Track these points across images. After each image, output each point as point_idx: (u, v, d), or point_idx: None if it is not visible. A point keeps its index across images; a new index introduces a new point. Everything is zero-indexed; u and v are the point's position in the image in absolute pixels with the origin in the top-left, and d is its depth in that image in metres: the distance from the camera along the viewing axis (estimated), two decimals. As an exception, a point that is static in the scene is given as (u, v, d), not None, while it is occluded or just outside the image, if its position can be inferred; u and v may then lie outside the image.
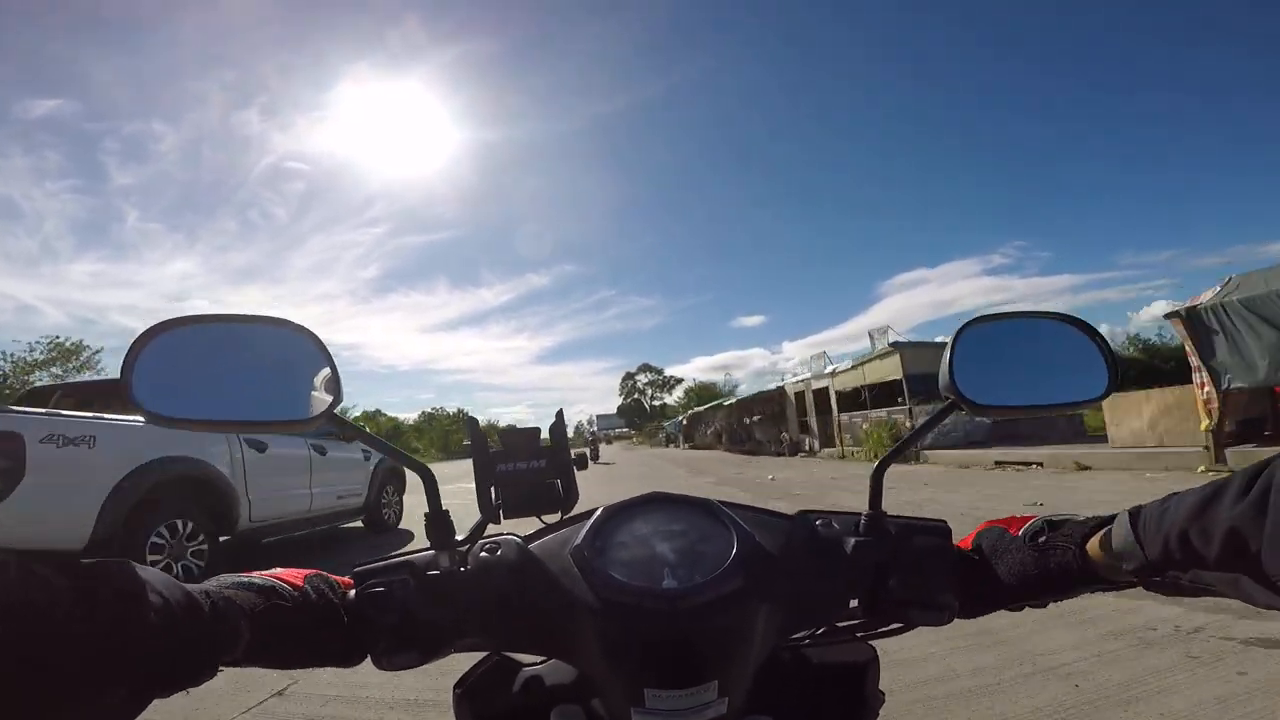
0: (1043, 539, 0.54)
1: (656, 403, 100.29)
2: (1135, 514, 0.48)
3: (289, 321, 0.56)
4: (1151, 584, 0.48)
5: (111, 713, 0.35)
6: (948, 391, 0.59)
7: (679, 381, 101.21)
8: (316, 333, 0.56)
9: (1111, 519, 0.52)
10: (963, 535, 0.61)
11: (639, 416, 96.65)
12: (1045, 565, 0.53)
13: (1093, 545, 0.52)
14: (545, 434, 0.65)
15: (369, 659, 0.52)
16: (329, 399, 0.55)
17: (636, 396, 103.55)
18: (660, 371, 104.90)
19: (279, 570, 0.52)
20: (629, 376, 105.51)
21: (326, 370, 0.55)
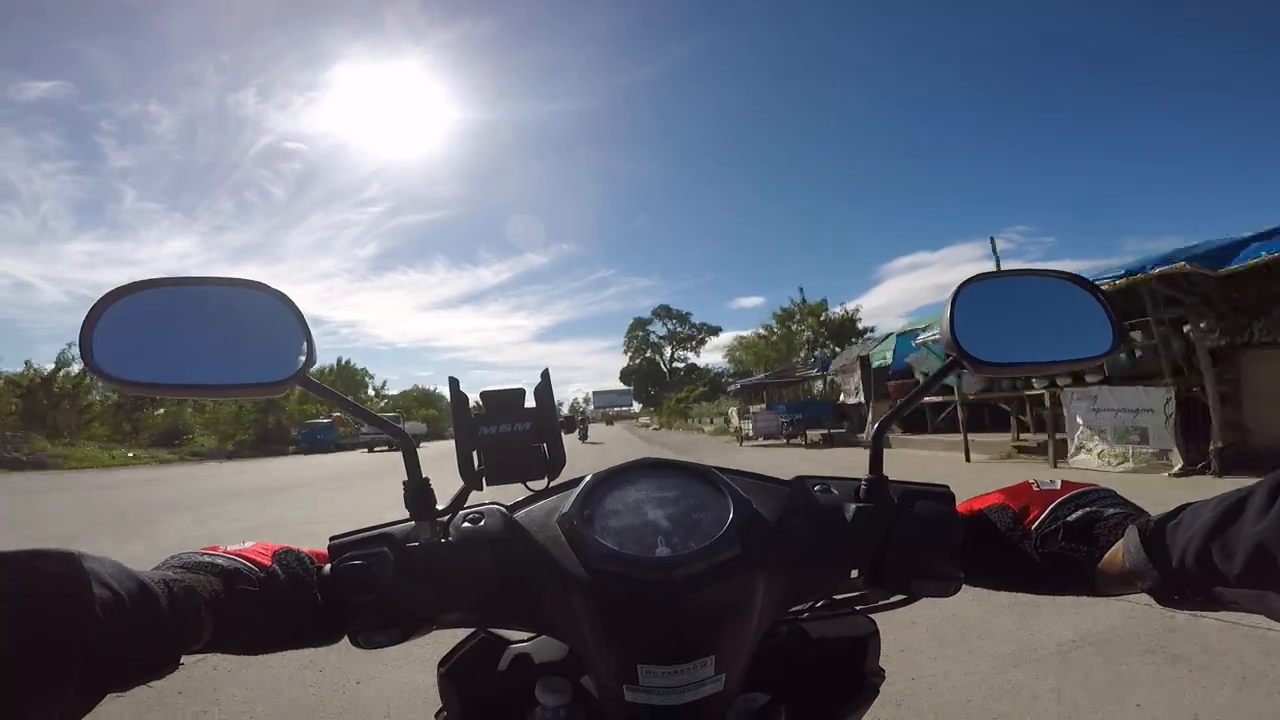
0: (1057, 547, 0.51)
1: (679, 364, 71.54)
2: (1145, 529, 0.46)
3: (260, 283, 0.54)
4: (1169, 601, 0.45)
5: (59, 710, 0.33)
6: (949, 349, 0.57)
7: (714, 332, 69.68)
8: (289, 294, 0.54)
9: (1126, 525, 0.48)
10: (970, 496, 0.58)
11: (655, 384, 70.21)
12: (1054, 569, 0.50)
13: (1106, 561, 0.49)
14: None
15: (346, 638, 0.50)
16: (301, 361, 0.53)
17: (650, 354, 73.83)
18: (685, 318, 72.41)
19: (247, 546, 0.49)
20: (639, 325, 73.92)
21: (300, 332, 0.54)
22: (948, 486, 0.56)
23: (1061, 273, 0.62)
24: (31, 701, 0.32)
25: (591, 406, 78.19)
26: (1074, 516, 0.51)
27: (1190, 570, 0.42)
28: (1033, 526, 0.52)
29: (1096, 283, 0.60)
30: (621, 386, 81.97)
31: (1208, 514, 0.41)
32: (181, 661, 0.41)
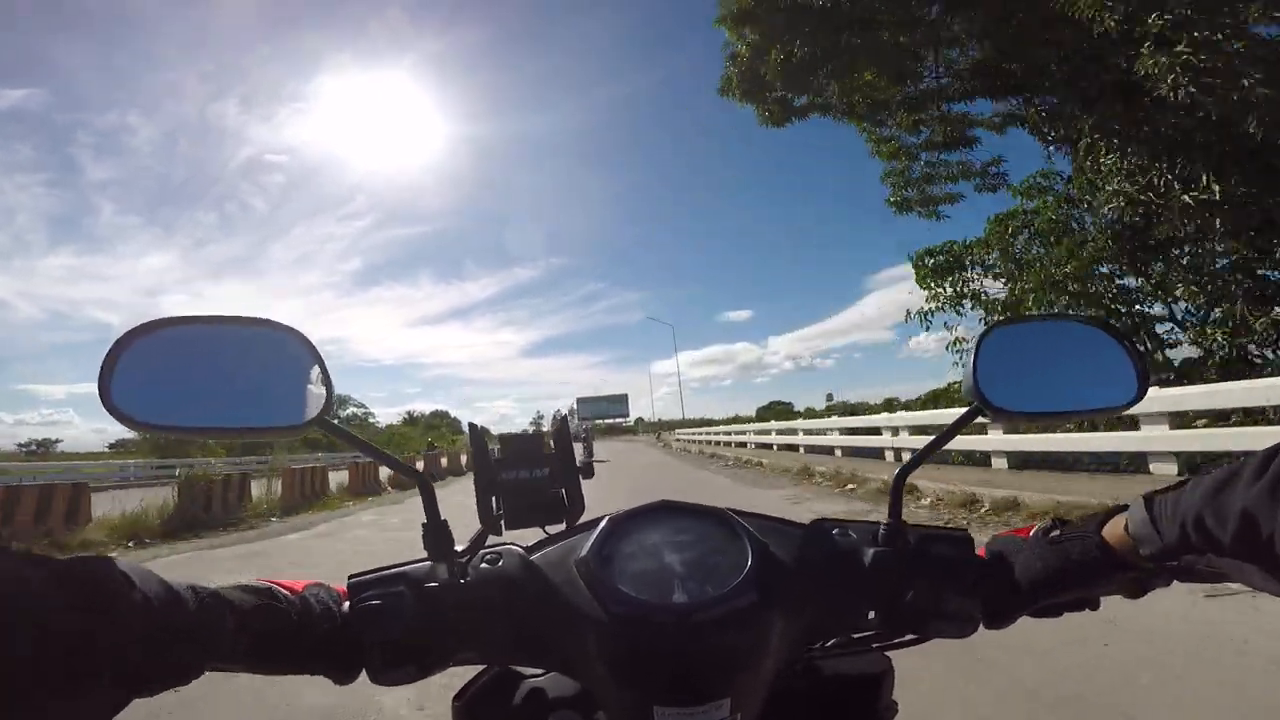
0: (1056, 533, 0.53)
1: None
2: (1150, 499, 0.48)
3: (277, 323, 0.53)
4: (1167, 569, 0.48)
5: (87, 713, 0.34)
6: (971, 396, 0.57)
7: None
8: (306, 333, 0.53)
9: (1125, 507, 0.51)
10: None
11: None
12: (1065, 559, 0.52)
13: (1110, 531, 0.51)
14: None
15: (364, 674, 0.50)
16: (320, 402, 0.53)
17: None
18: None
19: (278, 578, 0.50)
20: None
21: (317, 372, 0.53)
22: (966, 530, 0.57)
23: (1086, 318, 0.63)
24: (58, 705, 0.33)
25: (576, 419, 64.96)
26: (1067, 518, 0.55)
27: (1189, 536, 0.44)
28: (1033, 530, 0.56)
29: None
30: (613, 392, 73.82)
31: (1207, 482, 0.43)
32: (208, 670, 0.41)
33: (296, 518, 10.28)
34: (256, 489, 11.45)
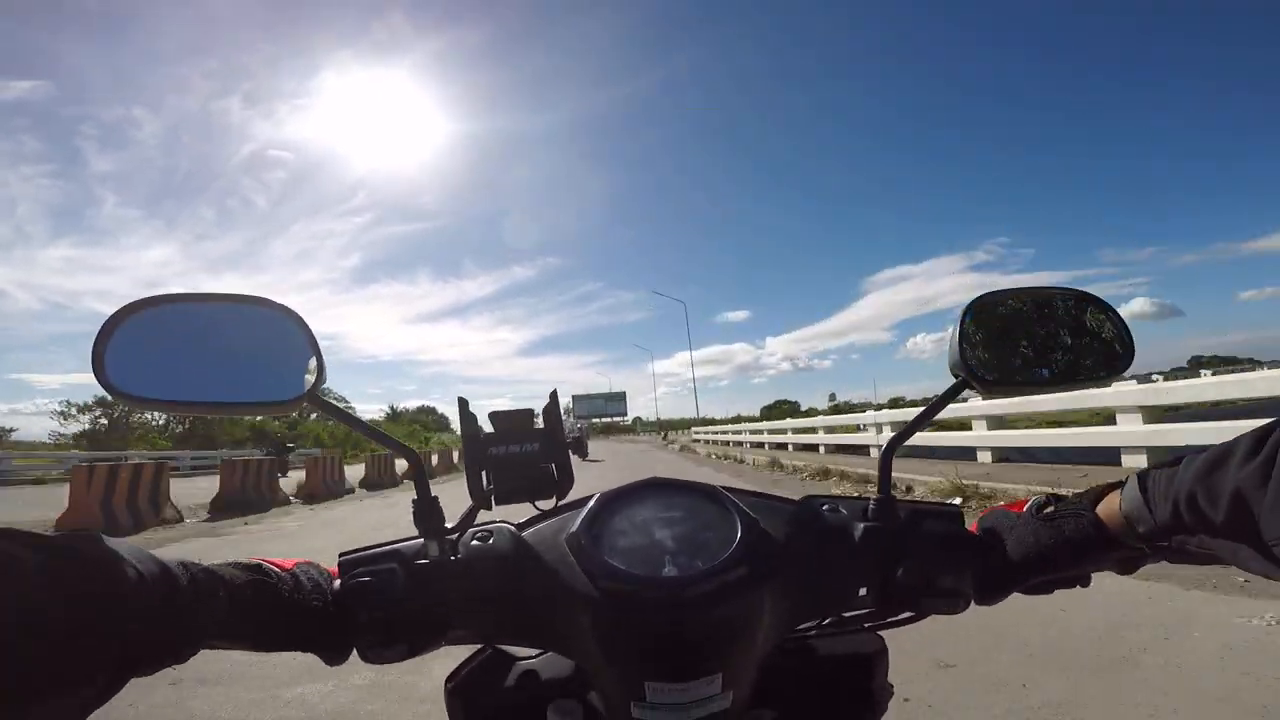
0: (1050, 509, 0.53)
1: None
2: (1144, 476, 0.47)
3: (270, 301, 0.54)
4: (1159, 549, 0.47)
5: (88, 695, 0.34)
6: (957, 370, 0.57)
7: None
8: (299, 312, 0.54)
9: (1120, 484, 0.50)
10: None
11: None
12: (1059, 536, 0.51)
13: (1104, 509, 0.50)
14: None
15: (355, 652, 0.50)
16: (311, 380, 0.53)
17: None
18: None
19: (268, 556, 0.50)
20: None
21: (309, 350, 0.54)
22: (957, 505, 0.57)
23: (1070, 289, 0.63)
24: (64, 687, 0.32)
25: (571, 417, 60.06)
26: (1062, 492, 0.55)
27: (1181, 516, 0.43)
28: (1026, 505, 0.55)
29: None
30: (611, 390, 71.25)
31: (1200, 461, 0.43)
32: (202, 649, 0.41)
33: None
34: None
